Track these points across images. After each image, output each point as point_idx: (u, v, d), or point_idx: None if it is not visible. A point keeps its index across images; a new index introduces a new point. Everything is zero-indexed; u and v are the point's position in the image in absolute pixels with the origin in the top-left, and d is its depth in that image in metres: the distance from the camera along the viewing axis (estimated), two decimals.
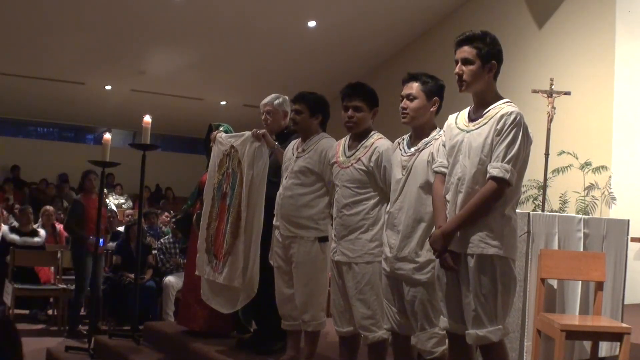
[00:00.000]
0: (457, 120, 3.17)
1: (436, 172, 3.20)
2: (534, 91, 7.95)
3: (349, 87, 3.79)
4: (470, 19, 11.09)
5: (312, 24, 11.93)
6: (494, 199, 2.94)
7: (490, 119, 3.00)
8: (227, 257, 4.45)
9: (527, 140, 2.98)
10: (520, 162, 2.97)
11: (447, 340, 3.27)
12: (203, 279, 4.66)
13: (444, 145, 3.19)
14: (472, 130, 3.04)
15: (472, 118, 3.09)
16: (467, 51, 3.05)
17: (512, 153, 2.92)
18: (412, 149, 3.41)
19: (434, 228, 3.20)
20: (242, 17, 11.40)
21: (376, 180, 3.61)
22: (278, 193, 4.11)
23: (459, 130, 3.11)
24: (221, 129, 4.97)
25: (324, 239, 3.95)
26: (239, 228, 4.41)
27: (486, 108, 3.05)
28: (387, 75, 12.25)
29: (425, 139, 3.40)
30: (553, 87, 7.88)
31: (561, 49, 9.66)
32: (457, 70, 3.08)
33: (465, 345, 3.06)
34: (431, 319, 3.28)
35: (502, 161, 2.92)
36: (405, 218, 3.33)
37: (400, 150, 3.47)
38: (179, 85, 13.73)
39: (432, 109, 3.42)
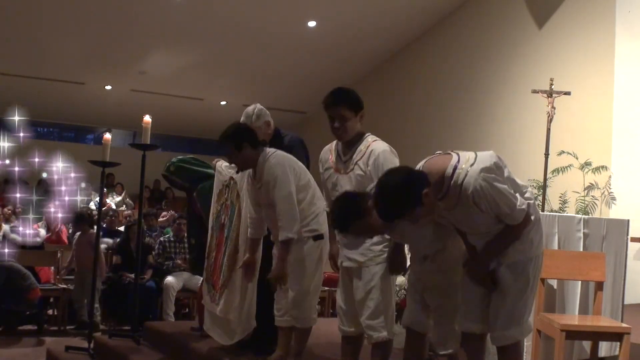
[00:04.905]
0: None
1: None
2: (534, 91, 7.95)
3: (331, 96, 3.66)
4: (470, 20, 11.11)
5: (312, 24, 11.93)
6: (523, 229, 2.93)
7: (462, 199, 2.83)
8: (224, 289, 4.39)
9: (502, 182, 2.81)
10: (515, 193, 2.86)
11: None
12: (206, 308, 4.65)
13: None
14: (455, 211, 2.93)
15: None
16: None
17: (504, 203, 2.80)
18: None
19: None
20: (242, 17, 11.40)
21: None
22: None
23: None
24: (171, 166, 4.94)
25: (319, 237, 3.96)
26: (236, 261, 4.32)
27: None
28: (387, 76, 12.23)
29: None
30: (553, 87, 7.88)
31: (561, 49, 9.65)
32: None
33: (478, 343, 3.09)
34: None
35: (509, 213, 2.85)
36: None
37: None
38: (179, 85, 13.72)
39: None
